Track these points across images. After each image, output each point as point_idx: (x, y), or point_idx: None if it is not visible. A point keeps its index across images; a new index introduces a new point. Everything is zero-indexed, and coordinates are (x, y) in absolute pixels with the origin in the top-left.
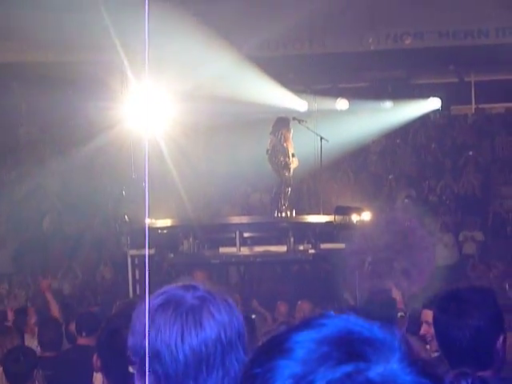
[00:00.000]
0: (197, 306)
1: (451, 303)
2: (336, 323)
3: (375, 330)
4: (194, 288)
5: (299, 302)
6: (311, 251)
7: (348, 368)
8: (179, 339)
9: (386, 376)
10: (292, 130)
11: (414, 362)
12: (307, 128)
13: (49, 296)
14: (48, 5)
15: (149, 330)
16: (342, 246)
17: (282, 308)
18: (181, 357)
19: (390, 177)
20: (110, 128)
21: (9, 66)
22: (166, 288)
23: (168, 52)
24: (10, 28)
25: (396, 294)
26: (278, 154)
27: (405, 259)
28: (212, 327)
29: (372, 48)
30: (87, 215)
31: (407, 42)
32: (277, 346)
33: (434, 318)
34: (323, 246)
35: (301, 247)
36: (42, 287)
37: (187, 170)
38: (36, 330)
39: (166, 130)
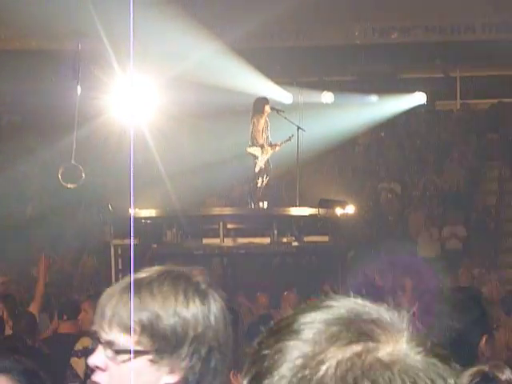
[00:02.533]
0: None
1: (434, 304)
2: (343, 304)
3: (383, 311)
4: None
5: (285, 293)
6: (294, 243)
7: (358, 347)
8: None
9: (396, 355)
10: (265, 114)
11: (422, 342)
12: (285, 118)
13: (41, 275)
14: None
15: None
16: (325, 238)
17: (263, 299)
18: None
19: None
20: (94, 117)
21: None
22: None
23: (153, 41)
24: None
25: (380, 282)
26: (251, 145)
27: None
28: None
29: (358, 42)
30: (71, 204)
31: (393, 36)
32: (285, 328)
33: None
34: (306, 238)
35: (284, 239)
36: (42, 265)
37: (172, 159)
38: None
39: (150, 119)
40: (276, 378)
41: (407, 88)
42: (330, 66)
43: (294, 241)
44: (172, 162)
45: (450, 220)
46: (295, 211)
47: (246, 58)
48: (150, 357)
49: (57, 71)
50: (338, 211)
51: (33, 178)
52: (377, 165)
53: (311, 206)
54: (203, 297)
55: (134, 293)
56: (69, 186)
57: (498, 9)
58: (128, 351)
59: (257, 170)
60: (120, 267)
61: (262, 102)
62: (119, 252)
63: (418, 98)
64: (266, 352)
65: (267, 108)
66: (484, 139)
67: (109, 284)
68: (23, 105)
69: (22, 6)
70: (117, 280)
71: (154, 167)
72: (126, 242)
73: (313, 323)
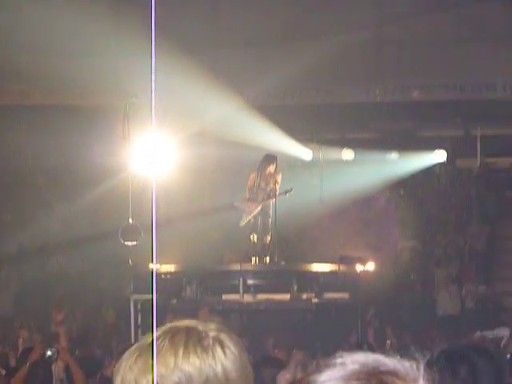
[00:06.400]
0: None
1: (461, 367)
2: (356, 360)
3: (397, 362)
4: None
5: (294, 351)
6: (314, 300)
7: None
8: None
9: None
10: (261, 171)
11: None
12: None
13: (60, 331)
14: (55, 49)
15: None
16: (345, 295)
17: (280, 356)
18: None
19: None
20: (115, 173)
21: (15, 108)
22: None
23: (174, 98)
24: (16, 71)
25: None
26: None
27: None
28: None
29: (379, 99)
30: (91, 259)
31: (414, 94)
32: None
33: (441, 379)
34: (327, 295)
35: (304, 296)
36: (55, 319)
37: (192, 214)
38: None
39: (172, 174)
40: None
41: (427, 146)
42: (351, 124)
43: (314, 297)
44: (192, 216)
45: (471, 278)
46: (315, 267)
47: (266, 115)
48: None
49: (80, 128)
50: (359, 268)
51: (53, 234)
52: (397, 222)
53: (331, 262)
54: (207, 346)
55: (138, 357)
56: (128, 243)
57: None
58: None
59: (242, 224)
60: (139, 322)
61: (264, 159)
62: (138, 307)
63: (439, 156)
64: None
65: (267, 166)
66: (504, 197)
67: (127, 339)
68: (45, 160)
69: (45, 62)
70: (136, 335)
71: (174, 222)
72: (146, 296)
73: (331, 381)
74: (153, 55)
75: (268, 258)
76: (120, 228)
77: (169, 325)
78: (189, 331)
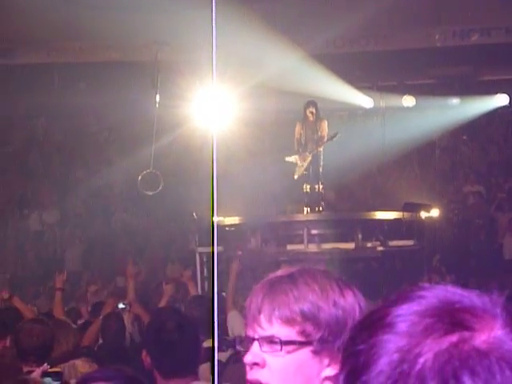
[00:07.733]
0: None
1: None
2: (435, 294)
3: (475, 297)
4: None
5: None
6: (379, 248)
7: (453, 338)
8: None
9: (492, 342)
10: (305, 119)
11: None
12: None
13: (131, 284)
14: (114, 5)
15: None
16: (410, 242)
17: None
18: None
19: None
20: (176, 126)
21: (76, 66)
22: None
23: (234, 50)
24: (77, 29)
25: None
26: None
27: None
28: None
29: (438, 44)
30: (155, 213)
31: (474, 38)
32: (378, 321)
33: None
34: (391, 243)
35: (369, 244)
36: (128, 272)
37: (253, 167)
38: None
39: (232, 127)
40: (374, 373)
41: (489, 90)
42: (411, 70)
43: (379, 245)
44: (253, 169)
45: None
46: (379, 215)
47: (325, 65)
48: (312, 348)
49: (138, 82)
50: (423, 215)
51: (116, 190)
52: (460, 167)
53: (395, 210)
54: (351, 288)
55: (290, 284)
56: (148, 193)
57: None
58: (293, 342)
59: (296, 177)
60: (206, 275)
61: (304, 107)
62: (204, 260)
63: (500, 100)
64: (361, 347)
65: (307, 112)
66: None
67: (194, 292)
68: (107, 116)
69: (105, 19)
70: (203, 288)
71: (235, 175)
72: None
73: (406, 315)
74: (213, 8)
75: (321, 207)
76: (140, 177)
77: (299, 267)
78: (330, 273)
